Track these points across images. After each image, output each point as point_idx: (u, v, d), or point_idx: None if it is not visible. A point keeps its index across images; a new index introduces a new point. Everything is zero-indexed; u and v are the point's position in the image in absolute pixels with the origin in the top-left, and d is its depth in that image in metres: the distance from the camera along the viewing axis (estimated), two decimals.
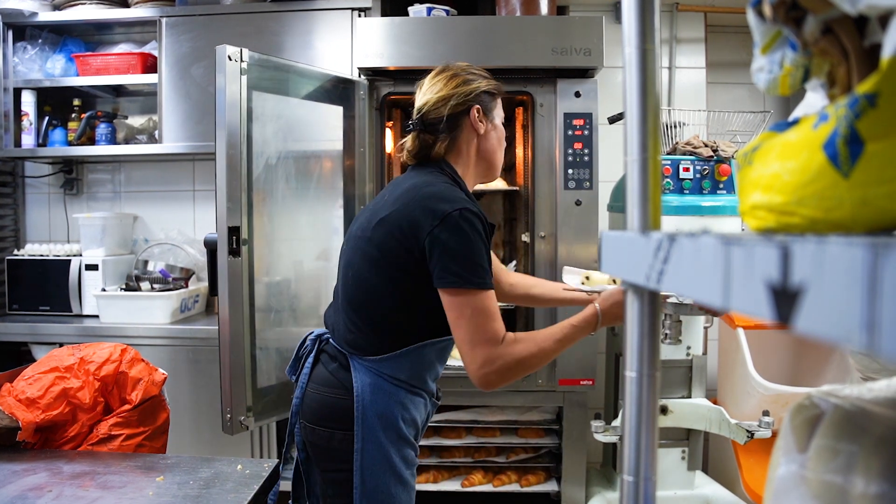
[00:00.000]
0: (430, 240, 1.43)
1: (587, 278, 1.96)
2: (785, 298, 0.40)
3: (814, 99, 0.65)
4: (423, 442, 2.86)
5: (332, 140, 2.65)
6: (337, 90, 2.64)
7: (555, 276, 2.64)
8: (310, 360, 1.65)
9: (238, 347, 2.25)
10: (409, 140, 1.65)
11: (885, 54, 0.48)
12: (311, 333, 1.71)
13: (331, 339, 1.64)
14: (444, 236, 1.42)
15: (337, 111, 2.65)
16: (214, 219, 2.28)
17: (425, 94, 1.63)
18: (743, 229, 2.14)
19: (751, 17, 0.65)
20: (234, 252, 2.25)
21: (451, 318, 1.45)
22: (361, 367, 1.54)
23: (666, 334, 2.49)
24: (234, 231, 2.26)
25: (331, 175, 2.68)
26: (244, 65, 2.28)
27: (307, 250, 2.68)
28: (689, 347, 2.63)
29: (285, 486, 1.72)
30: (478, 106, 1.61)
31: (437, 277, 1.44)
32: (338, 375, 1.56)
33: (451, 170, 1.62)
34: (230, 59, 2.23)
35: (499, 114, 1.69)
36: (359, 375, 1.53)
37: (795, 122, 0.60)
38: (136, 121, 3.42)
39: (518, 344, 1.46)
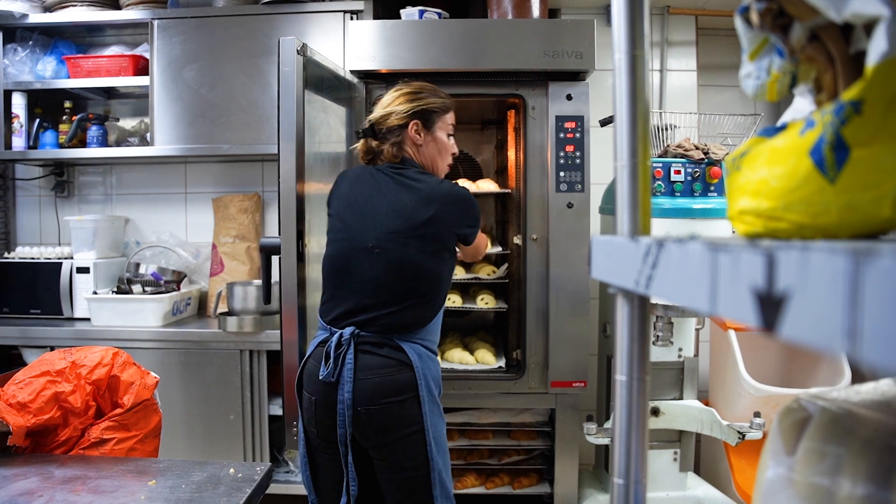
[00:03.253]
0: (467, 216, 1.95)
1: None
2: (770, 305, 0.40)
3: (801, 104, 0.65)
4: None
5: (337, 142, 2.62)
6: (343, 92, 2.63)
7: (547, 278, 2.64)
8: (350, 355, 1.82)
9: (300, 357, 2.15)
10: (359, 144, 2.04)
11: (870, 62, 0.48)
12: (336, 334, 1.85)
13: (363, 333, 1.85)
14: (469, 209, 1.96)
15: (341, 112, 2.63)
16: (277, 222, 2.19)
17: (378, 107, 2.01)
18: (733, 232, 2.15)
19: (738, 23, 0.65)
20: (300, 257, 2.16)
21: (470, 253, 2.19)
22: (409, 344, 1.85)
23: (657, 336, 2.50)
24: (299, 234, 2.16)
25: (331, 179, 2.63)
26: (305, 59, 2.18)
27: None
28: (680, 349, 2.65)
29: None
30: (416, 121, 1.97)
31: (469, 239, 2.00)
32: (392, 356, 1.83)
33: (418, 167, 1.99)
34: (298, 53, 2.13)
35: (442, 128, 2.03)
36: (411, 350, 1.84)
37: (783, 127, 0.61)
38: (128, 123, 3.41)
39: None
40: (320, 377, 1.83)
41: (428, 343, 1.92)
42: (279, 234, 2.15)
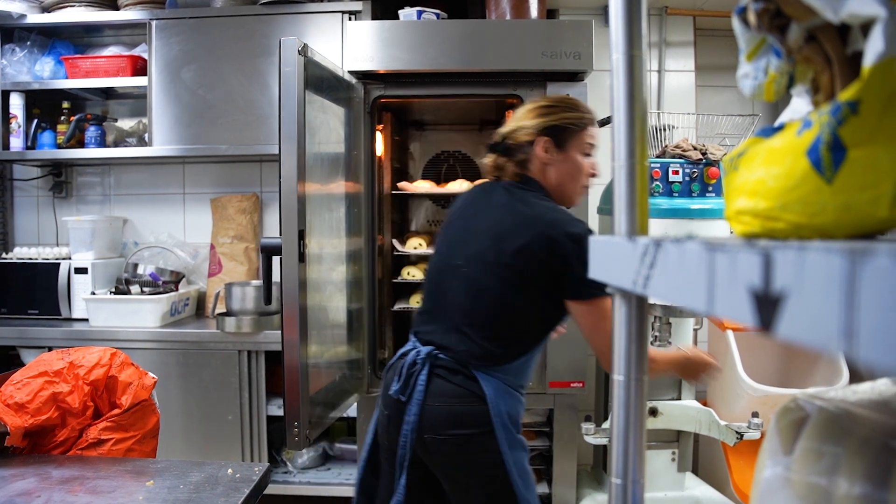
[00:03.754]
0: (571, 260, 1.62)
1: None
2: (767, 305, 0.40)
3: (799, 104, 0.66)
4: None
5: (336, 142, 2.62)
6: (342, 92, 2.63)
7: None
8: (423, 377, 1.70)
9: (302, 359, 2.16)
10: (488, 159, 1.86)
11: (867, 62, 0.48)
12: (415, 351, 1.75)
13: (441, 355, 1.71)
14: (581, 255, 1.57)
15: (340, 113, 2.64)
16: (275, 223, 2.13)
17: (511, 120, 1.83)
18: (731, 233, 2.15)
19: (736, 24, 0.66)
20: (301, 257, 2.13)
21: (587, 323, 1.67)
22: (486, 377, 1.68)
23: (655, 336, 2.50)
24: (301, 234, 2.13)
25: (336, 178, 2.64)
26: (306, 60, 2.15)
27: (326, 255, 2.60)
28: (678, 349, 2.64)
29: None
30: (546, 138, 1.76)
31: (574, 291, 1.65)
32: (466, 386, 1.68)
33: (542, 190, 1.79)
34: (299, 54, 2.10)
35: (577, 146, 1.80)
36: (486, 384, 1.68)
37: (780, 127, 0.61)
38: (126, 123, 3.41)
39: None
40: (391, 393, 1.73)
41: (509, 381, 1.73)
42: (280, 234, 2.13)
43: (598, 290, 1.60)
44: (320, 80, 2.35)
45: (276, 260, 2.25)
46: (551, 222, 1.66)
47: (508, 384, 1.72)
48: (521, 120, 1.80)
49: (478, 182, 1.99)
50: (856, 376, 2.59)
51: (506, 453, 1.66)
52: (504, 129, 1.83)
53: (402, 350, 1.81)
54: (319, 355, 2.33)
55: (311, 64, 2.21)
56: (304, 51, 2.12)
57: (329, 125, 2.48)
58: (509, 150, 1.80)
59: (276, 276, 2.29)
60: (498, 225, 1.72)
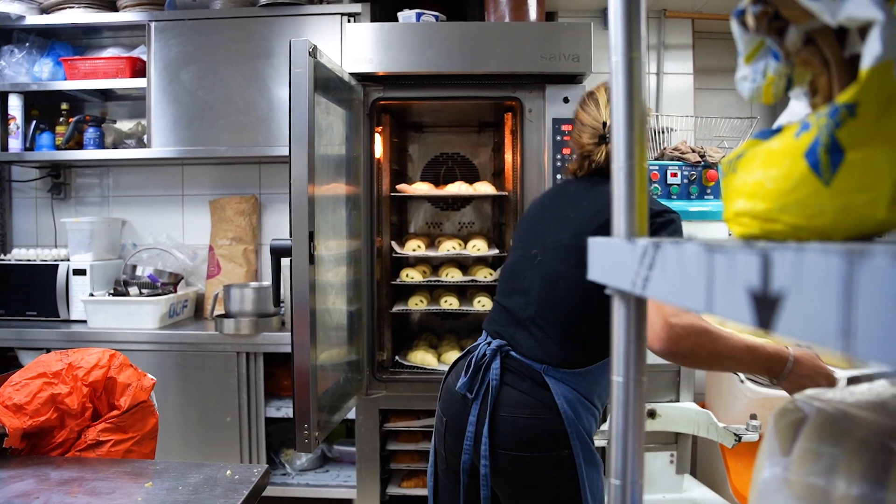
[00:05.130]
0: (662, 235, 1.48)
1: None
2: (765, 305, 0.41)
3: (797, 107, 0.66)
4: (412, 447, 2.86)
5: (340, 143, 2.62)
6: (344, 94, 2.63)
7: None
8: (494, 377, 1.56)
9: (312, 361, 2.13)
10: (600, 153, 1.67)
11: (864, 65, 0.49)
12: (485, 343, 1.64)
13: (512, 352, 1.59)
14: (673, 233, 1.52)
15: (342, 114, 2.64)
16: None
17: (603, 109, 1.69)
18: (730, 234, 2.15)
19: (734, 27, 0.66)
20: (311, 259, 2.10)
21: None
22: (557, 382, 1.53)
23: None
24: (311, 236, 2.10)
25: (339, 180, 2.64)
26: (315, 62, 2.12)
27: (328, 257, 2.60)
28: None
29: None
30: None
31: None
32: (534, 395, 1.53)
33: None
34: (309, 55, 2.07)
35: None
36: (558, 391, 1.52)
37: (779, 130, 0.61)
38: (125, 125, 3.41)
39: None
40: (457, 388, 1.60)
41: (584, 389, 1.55)
42: (290, 235, 2.10)
43: None
44: (327, 82, 2.35)
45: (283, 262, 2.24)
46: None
47: (583, 394, 1.55)
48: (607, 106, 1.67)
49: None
50: (854, 378, 2.59)
51: (582, 475, 1.51)
52: (607, 114, 1.67)
53: (469, 347, 1.71)
54: (325, 357, 2.33)
55: (318, 66, 2.21)
56: (314, 52, 2.11)
57: (333, 127, 2.49)
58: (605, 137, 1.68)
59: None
60: (579, 210, 1.62)
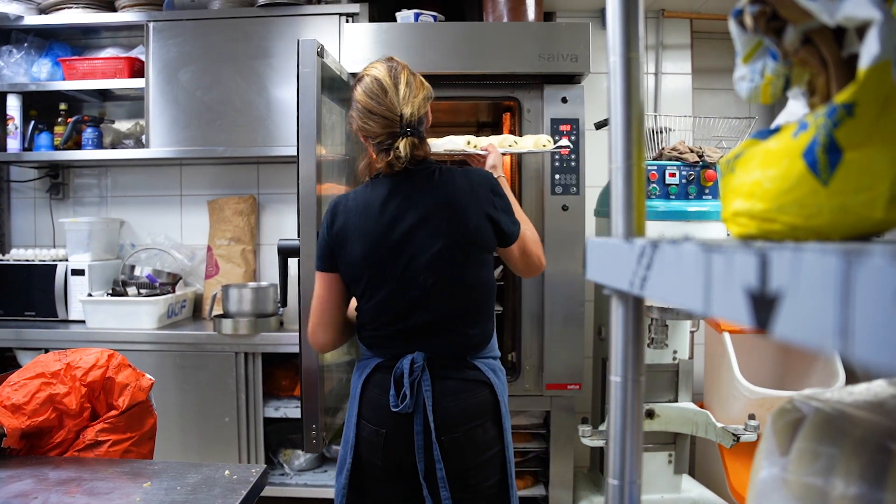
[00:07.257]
0: (501, 208, 1.70)
1: (468, 143, 2.16)
2: (763, 305, 0.41)
3: (795, 107, 0.66)
4: None
5: (340, 144, 2.62)
6: (344, 93, 2.62)
7: (542, 280, 2.65)
8: (426, 382, 1.63)
9: (320, 362, 2.10)
10: (402, 147, 1.61)
11: (862, 65, 0.49)
12: (408, 360, 1.64)
13: (433, 359, 1.66)
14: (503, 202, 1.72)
15: (343, 114, 2.63)
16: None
17: (410, 99, 1.62)
18: (728, 234, 2.15)
19: (732, 27, 0.66)
20: None
21: (518, 254, 1.78)
22: (482, 363, 1.71)
23: (652, 339, 2.51)
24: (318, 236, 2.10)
25: (340, 179, 2.63)
26: (322, 62, 2.10)
27: None
28: (675, 352, 2.65)
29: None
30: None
31: (509, 236, 1.71)
32: (469, 377, 1.68)
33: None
34: (317, 55, 2.05)
35: None
36: (484, 367, 1.70)
37: (777, 130, 0.61)
38: (123, 125, 3.40)
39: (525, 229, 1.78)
40: (392, 408, 1.62)
41: (496, 354, 1.77)
42: (298, 235, 2.09)
43: (518, 226, 1.74)
44: (330, 82, 2.34)
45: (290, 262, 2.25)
46: (476, 179, 1.68)
47: (498, 360, 1.77)
48: (420, 92, 1.66)
49: (339, 200, 1.77)
50: (852, 378, 2.60)
51: (506, 434, 1.71)
52: (411, 109, 1.62)
53: (370, 365, 1.70)
54: (329, 358, 2.33)
55: (324, 66, 2.21)
56: (321, 52, 2.09)
57: (336, 127, 2.49)
58: (418, 129, 1.67)
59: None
60: (437, 219, 1.64)
